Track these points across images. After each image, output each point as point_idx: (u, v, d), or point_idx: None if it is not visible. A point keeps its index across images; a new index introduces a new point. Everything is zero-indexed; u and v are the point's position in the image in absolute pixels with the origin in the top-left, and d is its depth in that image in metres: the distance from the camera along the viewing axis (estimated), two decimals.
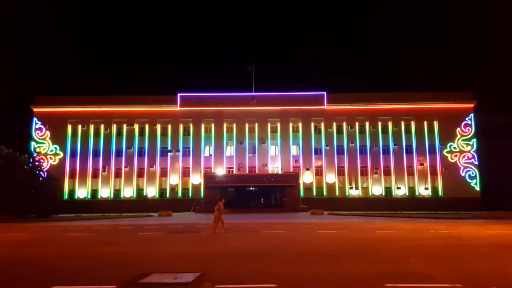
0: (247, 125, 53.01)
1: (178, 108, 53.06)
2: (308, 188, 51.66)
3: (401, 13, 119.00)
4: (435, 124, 52.35)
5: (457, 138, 51.86)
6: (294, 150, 53.14)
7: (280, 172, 51.44)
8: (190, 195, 51.34)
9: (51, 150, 51.52)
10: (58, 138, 51.88)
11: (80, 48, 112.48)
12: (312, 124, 53.04)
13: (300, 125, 53.03)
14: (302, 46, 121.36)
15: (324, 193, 51.51)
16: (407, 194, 51.39)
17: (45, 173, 43.12)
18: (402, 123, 52.61)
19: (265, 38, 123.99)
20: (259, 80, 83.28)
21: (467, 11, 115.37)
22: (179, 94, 53.32)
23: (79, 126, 52.65)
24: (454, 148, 51.78)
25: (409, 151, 52.29)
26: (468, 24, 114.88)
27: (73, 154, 52.15)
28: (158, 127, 52.97)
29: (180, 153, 52.49)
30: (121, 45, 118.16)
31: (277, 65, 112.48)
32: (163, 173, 52.32)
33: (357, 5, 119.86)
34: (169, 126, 52.97)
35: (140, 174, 52.31)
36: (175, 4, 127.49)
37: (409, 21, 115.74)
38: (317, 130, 53.15)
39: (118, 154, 52.50)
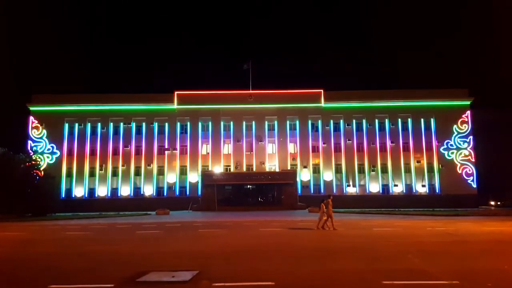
0: (244, 123, 52.95)
1: (175, 106, 52.96)
2: (305, 185, 51.75)
3: (397, 11, 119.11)
4: (432, 121, 52.46)
5: (454, 135, 51.99)
6: (291, 147, 53.15)
7: (277, 170, 51.45)
8: (188, 193, 51.35)
9: (48, 149, 51.33)
10: (54, 136, 51.65)
11: (76, 46, 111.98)
12: (310, 122, 53.05)
13: (297, 122, 53.04)
14: (299, 44, 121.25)
15: (322, 190, 51.57)
16: (404, 191, 51.56)
17: (42, 172, 43.02)
18: (399, 120, 52.68)
19: (262, 36, 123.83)
20: (256, 78, 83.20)
21: (463, 7, 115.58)
22: (176, 92, 53.19)
23: (76, 125, 52.45)
24: (451, 145, 51.90)
25: (406, 148, 52.42)
26: (464, 21, 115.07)
27: (70, 153, 51.99)
28: (155, 125, 52.83)
29: (178, 151, 52.42)
30: (118, 43, 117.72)
31: (274, 62, 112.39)
32: (161, 172, 52.26)
33: (354, 3, 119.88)
34: (166, 124, 52.86)
35: (137, 173, 52.21)
36: (172, 2, 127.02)
37: (405, 19, 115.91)
38: (315, 128, 53.18)
39: (115, 152, 52.37)
